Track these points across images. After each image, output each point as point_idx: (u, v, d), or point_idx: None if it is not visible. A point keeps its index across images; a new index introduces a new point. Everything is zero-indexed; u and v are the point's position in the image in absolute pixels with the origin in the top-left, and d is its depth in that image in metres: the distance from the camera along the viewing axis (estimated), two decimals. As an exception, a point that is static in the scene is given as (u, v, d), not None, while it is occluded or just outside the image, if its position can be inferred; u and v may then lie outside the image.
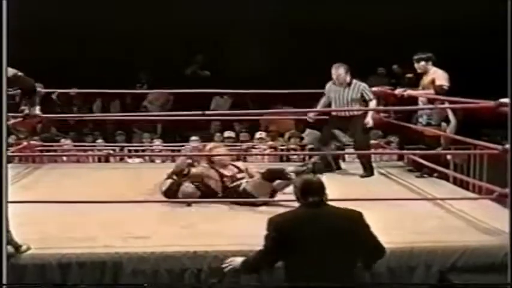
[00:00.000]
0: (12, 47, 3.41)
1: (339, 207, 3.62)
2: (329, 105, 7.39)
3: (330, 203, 3.56)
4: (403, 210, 5.29)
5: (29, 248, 4.27)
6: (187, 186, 5.90)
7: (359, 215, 3.55)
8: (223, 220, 5.11)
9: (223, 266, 3.85)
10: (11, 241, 4.15)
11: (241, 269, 3.76)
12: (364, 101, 7.33)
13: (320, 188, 3.55)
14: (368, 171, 7.18)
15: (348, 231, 3.45)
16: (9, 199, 5.00)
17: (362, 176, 7.12)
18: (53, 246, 4.36)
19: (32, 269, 4.16)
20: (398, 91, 7.51)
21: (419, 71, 7.21)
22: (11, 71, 4.62)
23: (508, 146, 4.62)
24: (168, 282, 4.20)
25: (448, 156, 7.59)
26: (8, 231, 4.10)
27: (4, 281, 3.37)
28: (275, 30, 12.12)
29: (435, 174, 7.00)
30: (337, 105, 7.27)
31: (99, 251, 4.29)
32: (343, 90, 7.24)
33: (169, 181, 6.05)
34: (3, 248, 3.35)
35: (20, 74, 4.79)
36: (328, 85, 7.40)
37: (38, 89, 5.55)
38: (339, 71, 7.26)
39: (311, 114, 7.64)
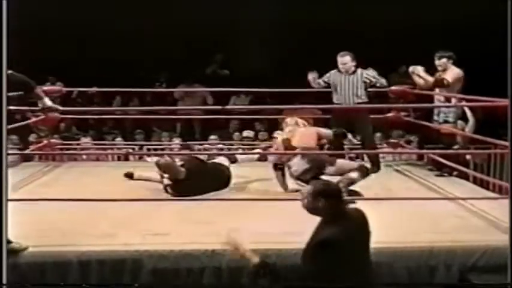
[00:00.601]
0: (12, 47, 3.40)
1: (355, 208, 3.63)
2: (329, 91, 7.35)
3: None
4: (422, 210, 5.25)
5: (24, 248, 4.22)
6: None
7: (364, 212, 3.56)
8: (241, 216, 5.09)
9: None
10: None
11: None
12: (372, 87, 7.30)
13: (340, 193, 3.58)
14: (375, 166, 7.09)
15: (366, 230, 3.50)
16: (29, 197, 5.07)
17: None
18: (73, 244, 4.38)
19: (52, 266, 4.17)
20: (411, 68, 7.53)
21: (439, 68, 7.22)
22: None
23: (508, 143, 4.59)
24: (187, 281, 4.20)
25: (468, 156, 7.55)
26: None
27: (4, 281, 3.37)
28: (276, 30, 12.12)
29: (455, 173, 6.97)
30: (342, 94, 7.20)
31: (119, 249, 4.30)
32: (349, 79, 7.18)
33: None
34: (3, 248, 3.36)
35: (9, 71, 4.22)
36: (332, 73, 7.32)
37: (54, 87, 5.51)
38: (345, 59, 7.19)
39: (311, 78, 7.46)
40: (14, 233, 4.17)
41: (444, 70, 7.16)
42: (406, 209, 5.16)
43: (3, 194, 3.33)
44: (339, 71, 7.26)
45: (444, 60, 7.16)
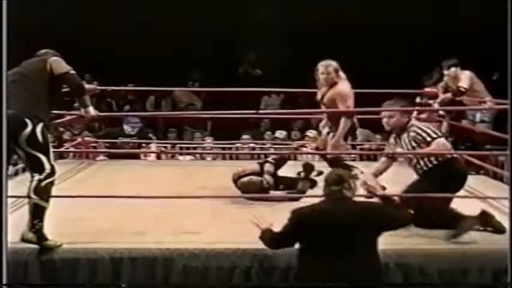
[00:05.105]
0: (12, 47, 3.41)
1: (361, 201, 3.96)
2: None
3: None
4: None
5: (59, 245, 4.24)
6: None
7: (380, 206, 3.96)
8: (275, 217, 5.05)
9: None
10: (37, 231, 4.13)
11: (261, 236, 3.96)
12: None
13: (339, 181, 3.73)
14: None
15: (366, 221, 3.61)
16: (64, 193, 5.10)
17: None
18: (106, 241, 4.42)
19: (84, 263, 4.21)
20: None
21: (450, 76, 7.36)
22: (65, 68, 4.40)
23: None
24: (218, 280, 4.21)
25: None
26: (40, 221, 4.14)
27: (4, 280, 3.39)
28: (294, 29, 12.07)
29: (481, 171, 7.01)
30: None
31: (151, 247, 4.32)
32: None
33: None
34: (3, 247, 3.35)
35: (72, 72, 4.41)
36: None
37: (89, 86, 5.53)
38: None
39: None
40: (49, 230, 4.23)
41: (455, 77, 7.28)
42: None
43: (3, 193, 3.34)
44: None
45: (453, 69, 7.30)
